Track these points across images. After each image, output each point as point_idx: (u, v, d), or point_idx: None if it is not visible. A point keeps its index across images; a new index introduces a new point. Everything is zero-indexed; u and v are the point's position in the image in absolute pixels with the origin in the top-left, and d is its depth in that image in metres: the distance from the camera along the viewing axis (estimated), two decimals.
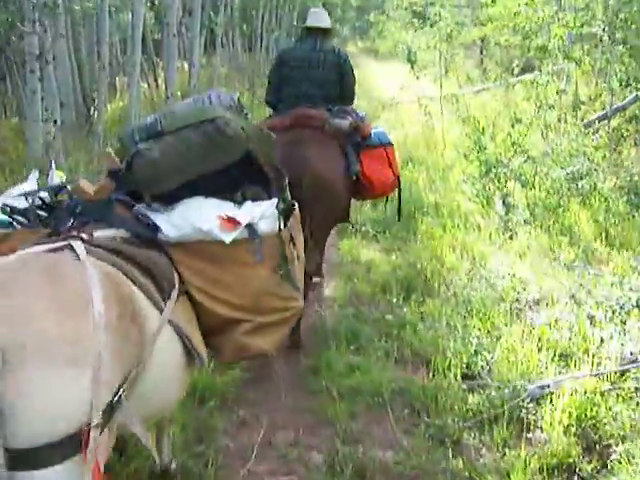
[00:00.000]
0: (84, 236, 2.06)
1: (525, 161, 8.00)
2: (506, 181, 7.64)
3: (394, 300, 4.99)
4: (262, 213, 2.42)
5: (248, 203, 2.45)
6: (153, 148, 2.33)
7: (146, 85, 14.79)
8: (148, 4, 16.57)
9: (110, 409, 1.75)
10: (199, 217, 2.28)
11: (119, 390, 1.80)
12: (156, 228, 2.29)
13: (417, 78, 12.52)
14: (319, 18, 4.65)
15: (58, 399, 1.63)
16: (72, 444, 1.64)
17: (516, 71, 15.69)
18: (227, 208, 2.36)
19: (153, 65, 15.61)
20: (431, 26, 14.00)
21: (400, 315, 4.76)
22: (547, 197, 7.26)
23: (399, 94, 13.92)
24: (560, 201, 7.07)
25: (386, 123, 11.19)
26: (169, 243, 2.30)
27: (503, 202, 7.04)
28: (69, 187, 2.45)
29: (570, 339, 4.22)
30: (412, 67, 12.35)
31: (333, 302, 5.05)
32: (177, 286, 2.23)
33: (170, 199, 2.38)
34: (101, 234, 2.16)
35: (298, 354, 4.25)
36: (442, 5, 17.15)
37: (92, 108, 10.57)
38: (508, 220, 6.79)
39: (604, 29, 8.80)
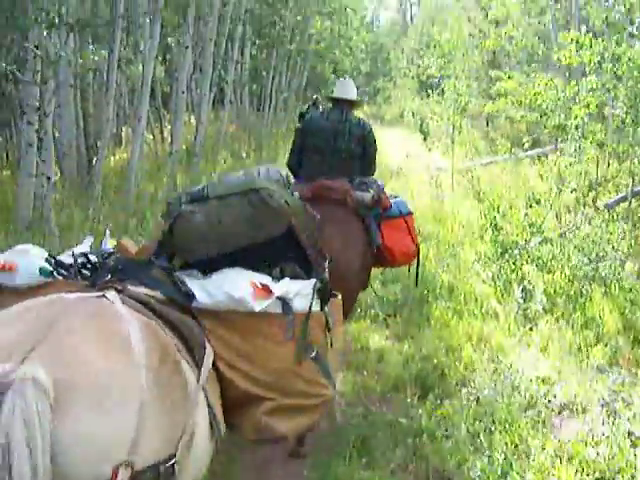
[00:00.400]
0: (118, 287, 2.09)
1: (541, 243, 7.64)
2: (522, 264, 7.26)
3: (408, 400, 4.49)
4: (298, 291, 2.37)
5: (285, 280, 2.41)
6: (196, 211, 2.35)
7: (151, 137, 14.52)
8: (159, 58, 16.60)
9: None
10: (233, 285, 2.24)
11: (169, 458, 1.79)
12: (190, 294, 2.25)
13: (429, 150, 12.24)
14: (347, 90, 4.64)
15: (105, 440, 1.64)
16: None
17: (526, 146, 15.52)
18: (263, 278, 2.32)
19: (160, 118, 15.38)
20: (440, 95, 13.88)
21: (415, 418, 4.25)
22: (568, 284, 6.82)
23: (406, 162, 13.69)
24: (582, 289, 6.63)
25: (393, 192, 10.82)
26: (201, 310, 2.25)
27: (522, 288, 6.59)
28: (113, 244, 2.55)
29: (608, 460, 3.72)
30: (425, 139, 12.07)
31: (341, 398, 4.55)
32: (210, 353, 2.17)
33: (209, 267, 2.37)
34: (135, 289, 2.16)
35: (301, 466, 3.73)
36: (457, 77, 17.08)
37: (95, 159, 10.26)
38: (527, 308, 6.35)
39: (627, 112, 8.52)
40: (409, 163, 13.55)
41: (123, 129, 15.48)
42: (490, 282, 7.11)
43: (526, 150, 15.34)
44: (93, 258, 2.46)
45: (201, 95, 11.75)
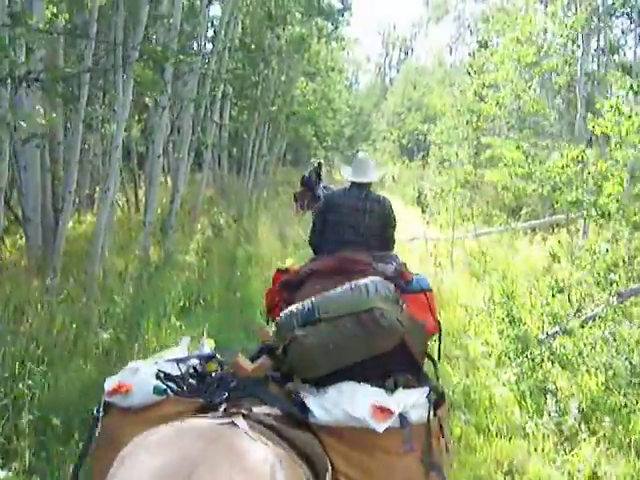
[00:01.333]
0: (244, 412, 2.04)
1: (563, 335, 6.73)
2: (543, 361, 6.32)
3: None
4: (414, 402, 2.36)
5: (400, 391, 2.42)
6: (309, 335, 2.38)
7: (125, 199, 13.52)
8: (135, 118, 15.75)
9: None
10: (352, 403, 2.25)
11: None
12: (308, 410, 2.25)
13: (427, 223, 11.32)
14: (365, 172, 4.63)
15: None
16: None
17: (523, 217, 14.79)
18: (379, 395, 2.32)
19: (135, 180, 14.37)
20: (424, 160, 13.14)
21: None
22: (605, 393, 5.82)
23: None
24: (624, 400, 5.62)
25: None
26: (319, 426, 2.24)
27: (555, 400, 5.57)
28: (222, 359, 2.51)
29: None
30: (423, 211, 11.16)
31: None
32: (330, 472, 2.15)
33: (322, 382, 2.38)
34: (258, 410, 2.12)
35: None
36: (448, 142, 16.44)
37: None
38: (560, 422, 5.33)
39: None
40: (399, 233, 12.60)
41: (97, 189, 14.51)
42: (511, 386, 6.10)
43: (525, 221, 14.65)
44: (196, 364, 2.51)
45: (179, 160, 10.76)
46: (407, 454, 2.29)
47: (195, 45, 13.46)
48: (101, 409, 2.28)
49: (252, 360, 2.49)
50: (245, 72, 16.71)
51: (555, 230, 16.12)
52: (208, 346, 2.72)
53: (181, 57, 9.72)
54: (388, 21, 79.41)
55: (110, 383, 2.34)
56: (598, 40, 17.65)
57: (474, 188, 18.55)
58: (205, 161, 14.79)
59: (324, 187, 17.26)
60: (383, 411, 2.24)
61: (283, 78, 17.84)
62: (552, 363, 6.41)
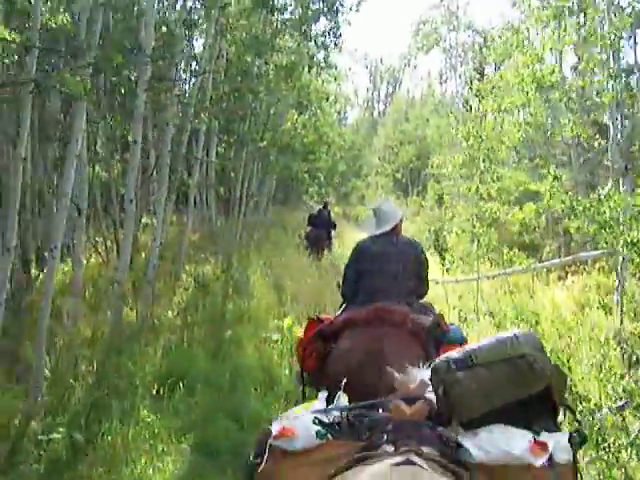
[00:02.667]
0: (416, 450, 2.11)
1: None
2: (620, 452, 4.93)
3: None
4: (559, 444, 2.34)
5: (544, 433, 2.40)
6: (469, 378, 2.45)
7: (104, 248, 12.05)
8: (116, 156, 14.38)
9: None
10: (508, 442, 2.31)
11: None
12: (463, 450, 2.29)
13: (447, 271, 9.84)
14: (388, 220, 4.58)
15: None
16: None
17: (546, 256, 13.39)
18: (530, 435, 2.35)
19: (114, 225, 12.82)
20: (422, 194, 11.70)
21: None
22: None
23: None
24: None
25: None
26: (474, 465, 2.26)
27: None
28: (386, 405, 2.60)
29: None
30: (443, 258, 9.63)
31: None
32: None
33: (472, 424, 2.42)
34: (427, 450, 2.16)
35: None
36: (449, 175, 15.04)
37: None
38: None
39: None
40: None
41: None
42: None
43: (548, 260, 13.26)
44: (337, 415, 2.55)
45: (156, 203, 9.25)
46: None
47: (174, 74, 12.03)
48: (266, 452, 2.33)
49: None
50: (230, 104, 15.39)
51: (569, 269, 14.88)
52: (344, 399, 2.78)
53: (155, 85, 8.33)
54: (375, 55, 78.95)
55: (276, 428, 2.41)
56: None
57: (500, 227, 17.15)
58: (190, 202, 13.29)
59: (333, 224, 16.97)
60: (540, 445, 2.30)
61: (272, 110, 16.45)
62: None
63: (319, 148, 20.82)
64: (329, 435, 2.44)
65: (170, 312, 9.07)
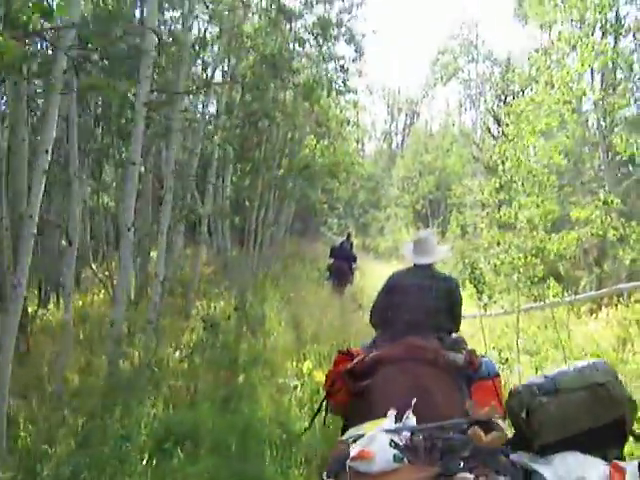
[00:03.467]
0: (487, 475, 2.21)
1: None
2: None
3: None
4: (633, 471, 2.39)
5: (615, 462, 2.44)
6: (551, 403, 2.53)
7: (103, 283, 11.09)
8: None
9: None
10: (583, 469, 2.32)
11: None
12: (535, 477, 2.35)
13: (484, 309, 8.75)
14: (427, 252, 4.48)
15: None
16: None
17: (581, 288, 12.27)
18: (603, 464, 2.38)
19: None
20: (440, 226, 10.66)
21: None
22: None
23: None
24: None
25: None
26: None
27: None
28: (457, 427, 2.68)
29: None
30: (480, 293, 8.52)
31: None
32: None
33: (546, 451, 2.48)
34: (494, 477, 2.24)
35: None
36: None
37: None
38: None
39: None
40: None
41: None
42: None
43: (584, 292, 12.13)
44: (406, 434, 2.61)
45: (159, 233, 8.22)
46: None
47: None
48: (346, 473, 2.42)
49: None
50: (245, 130, 14.55)
51: (601, 301, 13.85)
52: (412, 419, 2.78)
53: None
54: (392, 86, 78.46)
55: (355, 450, 2.48)
56: None
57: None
58: (202, 232, 12.33)
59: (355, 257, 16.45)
60: (618, 471, 2.32)
61: (289, 136, 15.53)
62: None
63: (338, 171, 19.86)
64: (405, 459, 2.46)
65: (177, 354, 8.03)
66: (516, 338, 8.95)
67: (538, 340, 10.98)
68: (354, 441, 2.65)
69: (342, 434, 4.09)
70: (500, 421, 2.72)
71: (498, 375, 4.13)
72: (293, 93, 15.36)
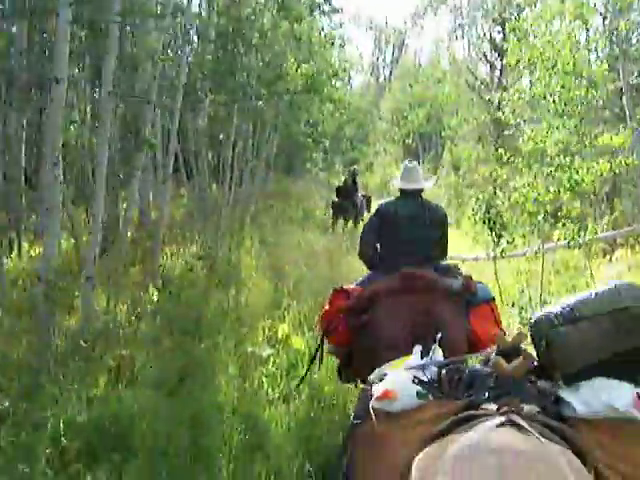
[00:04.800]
0: (518, 409, 2.14)
1: None
2: None
3: None
4: None
5: None
6: (571, 331, 2.45)
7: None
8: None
9: None
10: (611, 395, 2.28)
11: None
12: (565, 405, 2.32)
13: (501, 254, 7.35)
14: (416, 180, 4.46)
15: None
16: None
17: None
18: (633, 388, 2.32)
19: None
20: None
21: None
22: None
23: None
24: None
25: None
26: (577, 420, 2.28)
27: None
28: (490, 362, 2.53)
29: None
30: (499, 236, 7.10)
31: None
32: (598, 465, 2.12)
33: (574, 379, 2.41)
34: (527, 409, 2.19)
35: None
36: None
37: None
38: None
39: None
40: None
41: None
42: None
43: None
44: (433, 369, 2.56)
45: (94, 164, 6.64)
46: None
47: None
48: (369, 413, 2.35)
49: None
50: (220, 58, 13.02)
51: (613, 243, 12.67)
52: (439, 353, 2.74)
53: None
54: (379, 17, 75.85)
55: (378, 390, 2.42)
56: None
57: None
58: (163, 166, 10.80)
59: (363, 195, 17.24)
60: None
61: (267, 59, 13.81)
62: None
63: (322, 104, 18.36)
64: (429, 395, 2.41)
65: (126, 320, 6.62)
66: (541, 289, 7.53)
67: (552, 288, 9.66)
68: (379, 381, 2.56)
69: (339, 375, 4.28)
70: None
71: (494, 299, 4.19)
72: (270, 13, 13.75)
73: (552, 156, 7.48)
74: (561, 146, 7.95)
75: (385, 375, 2.60)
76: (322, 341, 3.97)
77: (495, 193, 8.69)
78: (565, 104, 7.64)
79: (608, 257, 12.46)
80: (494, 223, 7.13)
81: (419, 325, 3.48)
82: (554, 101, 7.71)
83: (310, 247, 11.54)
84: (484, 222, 7.30)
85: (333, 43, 18.85)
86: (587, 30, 11.38)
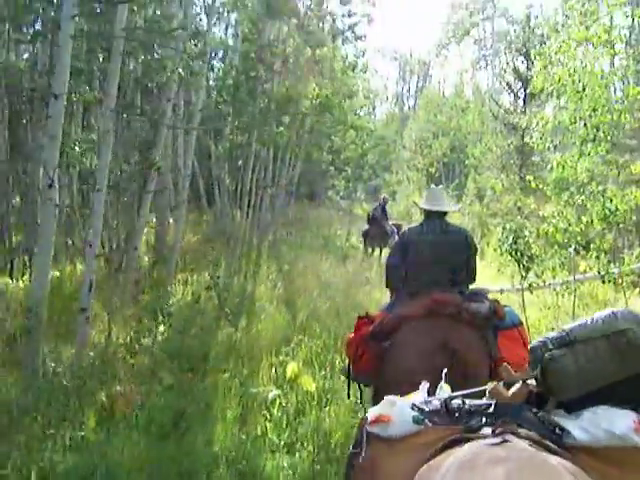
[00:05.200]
0: (514, 431, 2.08)
1: None
2: None
3: None
4: None
5: None
6: (566, 354, 2.38)
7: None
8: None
9: None
10: (611, 422, 2.19)
11: None
12: (564, 432, 2.20)
13: (530, 290, 6.84)
14: (438, 201, 4.49)
15: None
16: None
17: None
18: (636, 415, 2.23)
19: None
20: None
21: None
22: None
23: None
24: None
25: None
26: (576, 447, 2.17)
27: None
28: (488, 390, 2.45)
29: None
30: (527, 270, 6.61)
31: None
32: None
33: (574, 406, 2.33)
34: (524, 432, 2.10)
35: None
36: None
37: None
38: None
39: None
40: None
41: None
42: None
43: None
44: (438, 405, 2.42)
45: (94, 193, 6.23)
46: None
47: None
48: (364, 440, 2.27)
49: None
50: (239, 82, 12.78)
51: None
52: (447, 389, 2.59)
53: None
54: (404, 48, 76.31)
55: (372, 415, 2.35)
56: None
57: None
58: (177, 192, 10.47)
59: (393, 224, 16.89)
60: None
61: (288, 85, 13.53)
62: None
63: (344, 133, 18.07)
64: (426, 421, 2.32)
65: (126, 353, 6.20)
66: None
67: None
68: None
69: (374, 403, 4.21)
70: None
71: (522, 324, 4.18)
72: (293, 39, 13.56)
73: (582, 184, 7.01)
74: (589, 174, 7.48)
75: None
76: (349, 371, 3.92)
77: (523, 223, 8.12)
78: (597, 129, 7.19)
79: (638, 289, 11.97)
80: (522, 255, 6.67)
81: (439, 354, 3.44)
82: (585, 124, 7.26)
83: (326, 275, 11.10)
84: (511, 254, 6.83)
85: (354, 68, 18.63)
86: (613, 56, 10.97)
